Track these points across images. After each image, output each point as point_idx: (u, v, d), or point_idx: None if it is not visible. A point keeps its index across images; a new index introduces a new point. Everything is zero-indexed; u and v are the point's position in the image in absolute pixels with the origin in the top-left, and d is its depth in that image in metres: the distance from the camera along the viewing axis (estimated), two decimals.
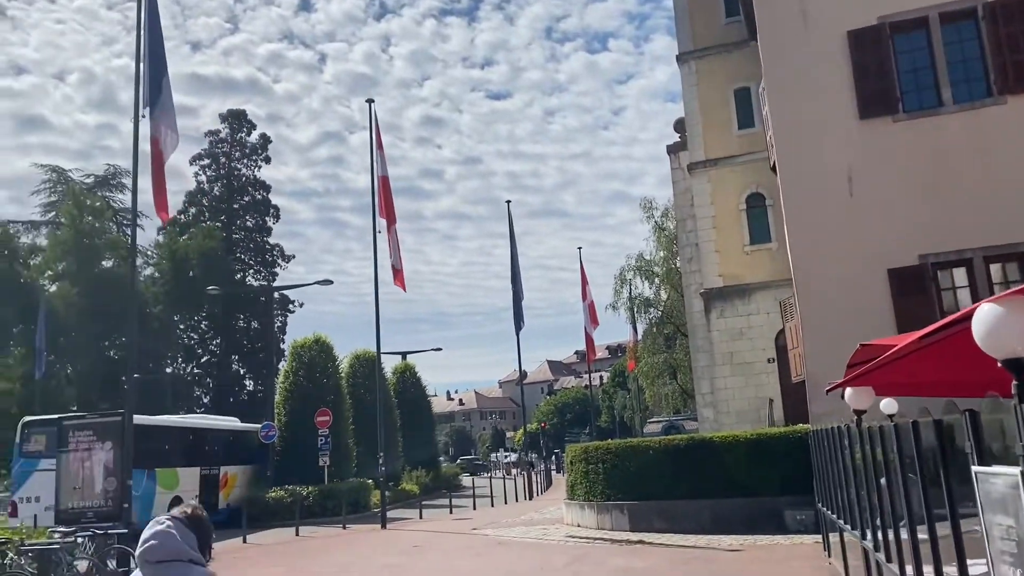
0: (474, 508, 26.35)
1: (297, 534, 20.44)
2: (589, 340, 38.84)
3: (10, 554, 10.21)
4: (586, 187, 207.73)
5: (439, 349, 55.28)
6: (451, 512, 25.34)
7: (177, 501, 21.02)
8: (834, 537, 11.25)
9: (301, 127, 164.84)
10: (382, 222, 22.15)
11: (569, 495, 19.48)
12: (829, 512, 11.26)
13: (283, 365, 30.06)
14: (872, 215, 16.10)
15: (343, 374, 32.24)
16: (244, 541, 19.08)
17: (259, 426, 27.38)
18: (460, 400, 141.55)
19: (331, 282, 29.39)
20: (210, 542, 3.27)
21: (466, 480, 48.22)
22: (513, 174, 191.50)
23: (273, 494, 26.40)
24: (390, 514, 27.81)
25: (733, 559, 12.61)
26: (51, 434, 19.04)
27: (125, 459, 15.16)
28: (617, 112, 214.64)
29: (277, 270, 69.37)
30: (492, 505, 27.43)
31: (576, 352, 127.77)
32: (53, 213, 64.69)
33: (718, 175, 26.28)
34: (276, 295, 69.65)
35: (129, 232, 67.88)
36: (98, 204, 64.52)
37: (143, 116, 14.40)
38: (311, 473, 27.28)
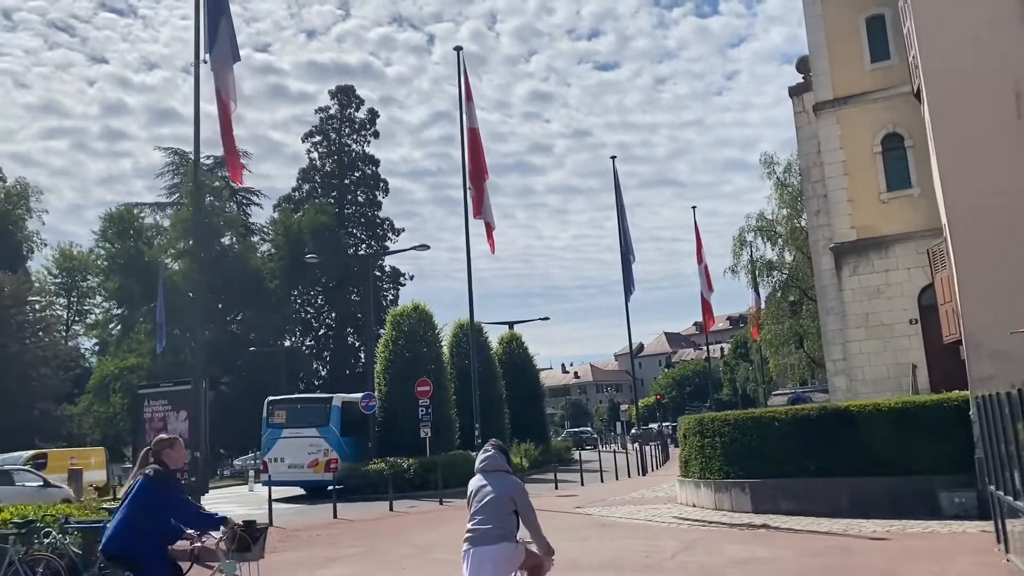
0: (582, 484, 24.76)
1: (391, 509, 19.40)
2: (706, 305, 36.39)
3: (54, 532, 9.35)
4: (699, 155, 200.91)
5: (547, 318, 53.55)
6: (556, 487, 23.83)
7: None
8: (1014, 525, 8.99)
9: (413, 108, 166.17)
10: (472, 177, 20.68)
11: (683, 472, 17.57)
12: (1008, 496, 8.99)
13: (383, 334, 29.18)
14: None
15: (445, 344, 31.18)
16: (335, 516, 18.17)
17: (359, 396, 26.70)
18: (575, 373, 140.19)
19: (428, 247, 28.39)
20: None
21: (579, 454, 46.77)
22: (623, 144, 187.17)
23: (373, 466, 25.65)
24: None
25: (879, 551, 10.48)
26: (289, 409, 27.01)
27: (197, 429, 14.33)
28: (730, 77, 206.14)
29: (388, 243, 69.64)
30: (601, 481, 25.78)
31: (695, 323, 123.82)
32: (177, 195, 66.72)
33: (848, 115, 23.40)
34: (387, 268, 70.08)
35: (248, 211, 69.82)
36: (216, 184, 66.33)
37: (204, 61, 13.33)
38: (413, 445, 26.39)
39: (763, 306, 43.34)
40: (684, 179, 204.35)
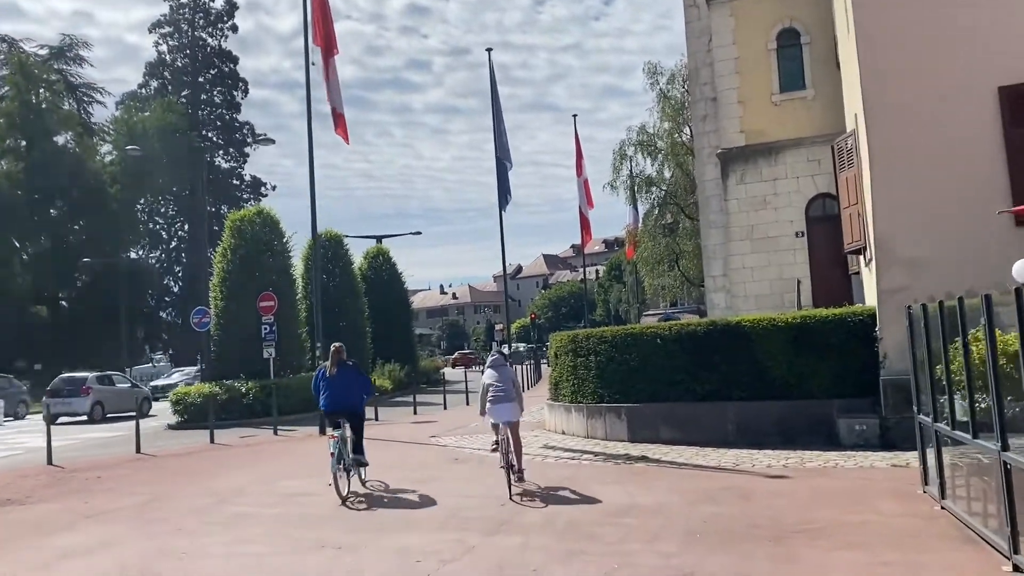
0: (445, 408, 22.50)
1: (212, 441, 16.45)
2: (584, 221, 34.34)
3: None
4: (577, 80, 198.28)
5: (418, 233, 50.45)
6: (415, 412, 21.46)
7: None
8: (954, 459, 7.17)
9: (282, 15, 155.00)
10: (317, 53, 17.24)
11: (552, 395, 15.47)
12: (942, 424, 7.12)
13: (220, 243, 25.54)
14: (980, 8, 11.40)
15: (299, 257, 27.92)
16: (138, 450, 15.12)
17: None
18: (454, 294, 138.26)
19: (272, 141, 24.76)
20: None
21: (453, 374, 44.77)
22: (503, 65, 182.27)
23: (203, 389, 22.52)
24: None
25: (783, 495, 8.56)
26: None
27: None
28: (608, 2, 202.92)
29: (247, 151, 64.18)
30: (467, 404, 23.61)
31: (572, 246, 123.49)
32: (7, 89, 58.53)
33: (743, 7, 21.33)
34: (247, 176, 64.85)
35: (90, 110, 62.42)
36: (51, 77, 58.73)
37: None
38: (256, 367, 23.35)
39: (640, 224, 41.87)
40: (563, 104, 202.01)
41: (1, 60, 58.73)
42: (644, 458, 11.37)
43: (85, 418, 25.53)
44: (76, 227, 56.41)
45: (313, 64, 17.44)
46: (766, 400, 12.13)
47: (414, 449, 13.99)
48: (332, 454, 9.53)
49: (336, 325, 28.92)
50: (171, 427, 22.24)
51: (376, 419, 20.62)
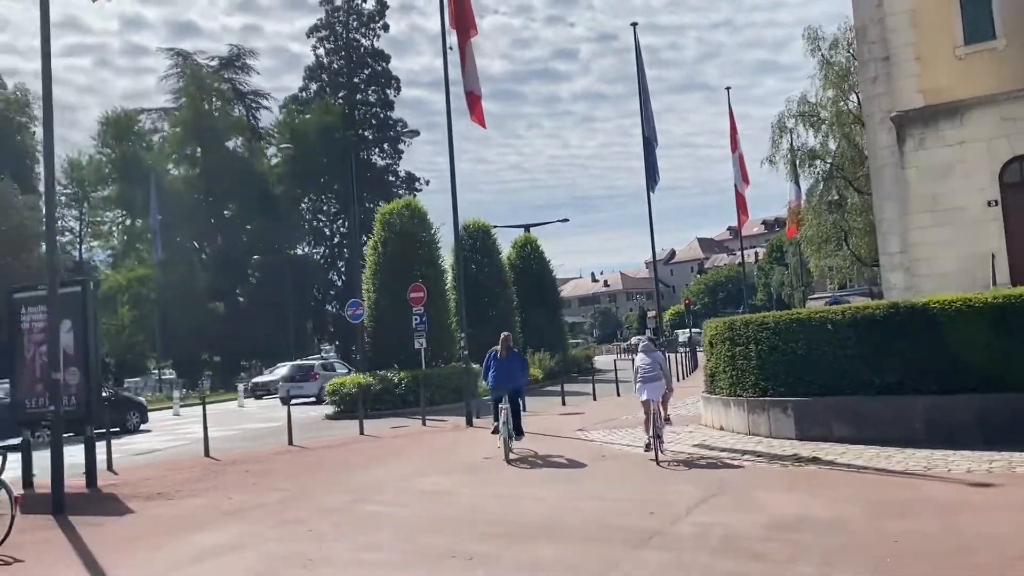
0: (594, 399, 21.66)
1: (361, 432, 16.44)
2: (740, 199, 32.50)
3: None
4: (729, 58, 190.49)
5: (566, 220, 49.62)
6: (563, 403, 20.77)
7: None
8: None
9: (434, 15, 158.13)
10: (453, 36, 16.82)
11: (708, 387, 14.29)
12: None
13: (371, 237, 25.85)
14: None
15: (443, 246, 27.85)
16: (290, 442, 15.28)
17: None
18: (605, 281, 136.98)
19: (417, 133, 24.78)
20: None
21: (604, 363, 43.85)
22: (651, 48, 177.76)
23: (358, 379, 22.83)
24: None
25: (994, 504, 7.16)
26: None
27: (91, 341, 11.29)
28: None
29: (401, 146, 65.70)
30: (618, 395, 22.68)
31: (728, 228, 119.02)
32: (183, 100, 62.76)
33: None
34: (402, 172, 66.40)
35: (257, 115, 65.99)
36: (222, 86, 62.57)
37: None
38: (408, 358, 23.48)
39: (803, 200, 39.22)
40: (714, 83, 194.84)
41: (177, 73, 62.94)
42: (815, 459, 10.10)
43: (313, 399, 28.24)
44: (248, 227, 59.83)
45: (451, 48, 17.03)
46: (961, 393, 10.51)
47: (559, 444, 13.28)
48: (504, 423, 11.97)
49: (486, 315, 28.76)
50: (329, 417, 22.72)
51: (524, 409, 20.07)
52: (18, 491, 10.16)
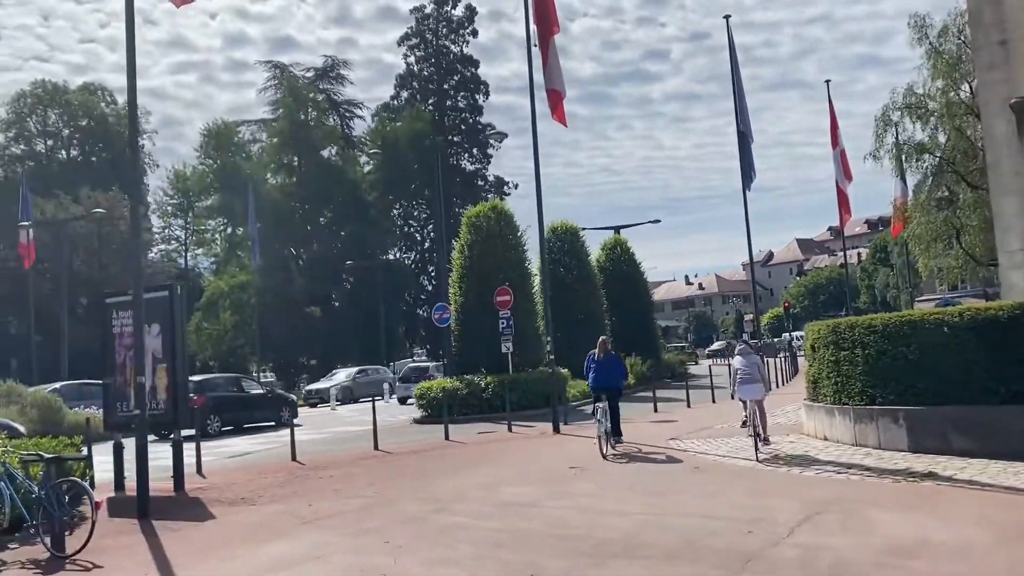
0: (688, 406, 20.85)
1: (447, 437, 16.19)
2: (842, 196, 30.97)
3: None
4: (827, 53, 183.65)
5: (657, 221, 48.21)
6: (655, 410, 20.05)
7: None
8: None
9: (522, 21, 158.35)
10: (536, 32, 16.41)
11: (811, 395, 13.41)
12: None
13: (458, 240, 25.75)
14: None
15: (530, 248, 27.51)
16: (375, 447, 15.15)
17: None
18: (700, 284, 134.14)
19: (505, 135, 24.55)
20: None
21: (699, 368, 42.68)
22: (745, 46, 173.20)
23: (444, 384, 22.70)
24: (584, 410, 23.24)
25: None
26: None
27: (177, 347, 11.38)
28: None
29: (491, 151, 65.94)
30: (713, 401, 21.80)
31: (829, 228, 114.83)
32: (280, 111, 64.71)
33: None
34: (491, 177, 66.53)
35: (351, 124, 67.43)
36: (317, 97, 64.21)
37: None
38: (495, 362, 23.23)
39: (910, 197, 37.11)
40: (811, 79, 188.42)
41: (275, 85, 64.91)
42: (932, 475, 9.22)
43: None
44: (342, 233, 61.16)
45: (535, 45, 16.64)
46: None
47: (650, 453, 12.67)
48: (599, 421, 12.59)
49: (574, 318, 28.25)
50: (416, 421, 22.65)
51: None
52: (109, 494, 10.31)
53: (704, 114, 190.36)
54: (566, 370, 25.05)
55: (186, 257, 76.14)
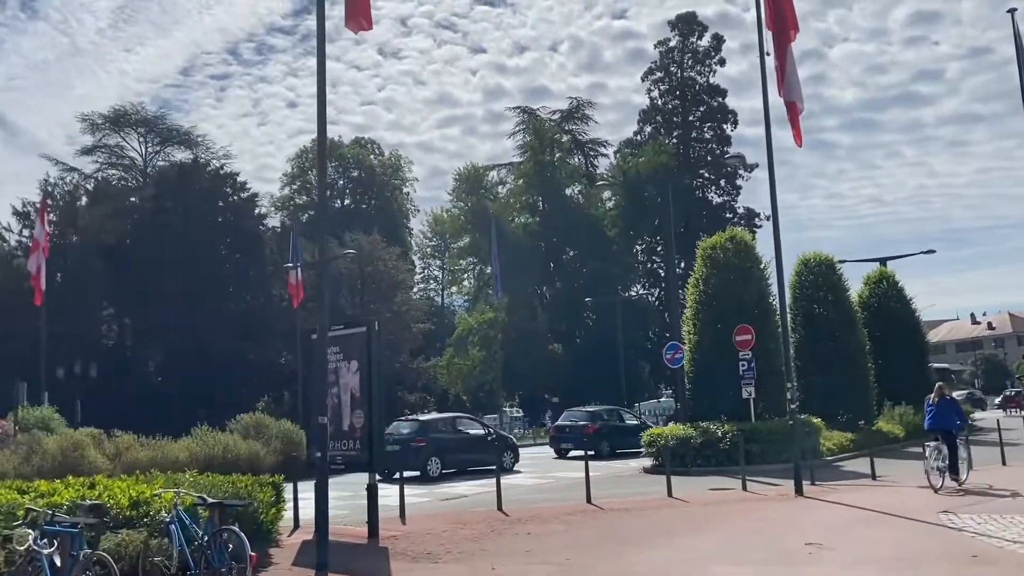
0: (970, 466, 17.39)
1: (669, 494, 14.47)
2: None
3: (31, 537, 6.39)
4: None
5: (931, 251, 42.66)
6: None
7: None
8: None
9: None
10: (769, 40, 14.55)
11: None
12: None
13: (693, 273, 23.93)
14: None
15: (773, 282, 24.94)
16: (588, 500, 13.82)
17: None
18: (989, 324, 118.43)
19: (756, 165, 22.33)
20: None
21: (982, 417, 36.86)
22: None
23: (677, 431, 20.88)
24: (846, 467, 20.39)
25: None
26: None
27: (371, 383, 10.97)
28: None
29: (739, 183, 62.72)
30: (1003, 462, 18.08)
31: None
32: (527, 153, 66.60)
33: None
34: (740, 208, 63.23)
35: (595, 163, 67.80)
36: (562, 138, 65.24)
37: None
38: (735, 407, 21.13)
39: None
40: None
41: (523, 129, 66.87)
42: None
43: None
44: (584, 270, 61.04)
45: (768, 54, 14.81)
46: None
47: (906, 531, 10.25)
48: (927, 456, 14.22)
49: (830, 359, 25.27)
50: (646, 470, 21.02)
51: (873, 477, 16.71)
52: (307, 536, 9.95)
53: (986, 136, 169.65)
54: (818, 419, 22.23)
55: (442, 295, 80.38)
